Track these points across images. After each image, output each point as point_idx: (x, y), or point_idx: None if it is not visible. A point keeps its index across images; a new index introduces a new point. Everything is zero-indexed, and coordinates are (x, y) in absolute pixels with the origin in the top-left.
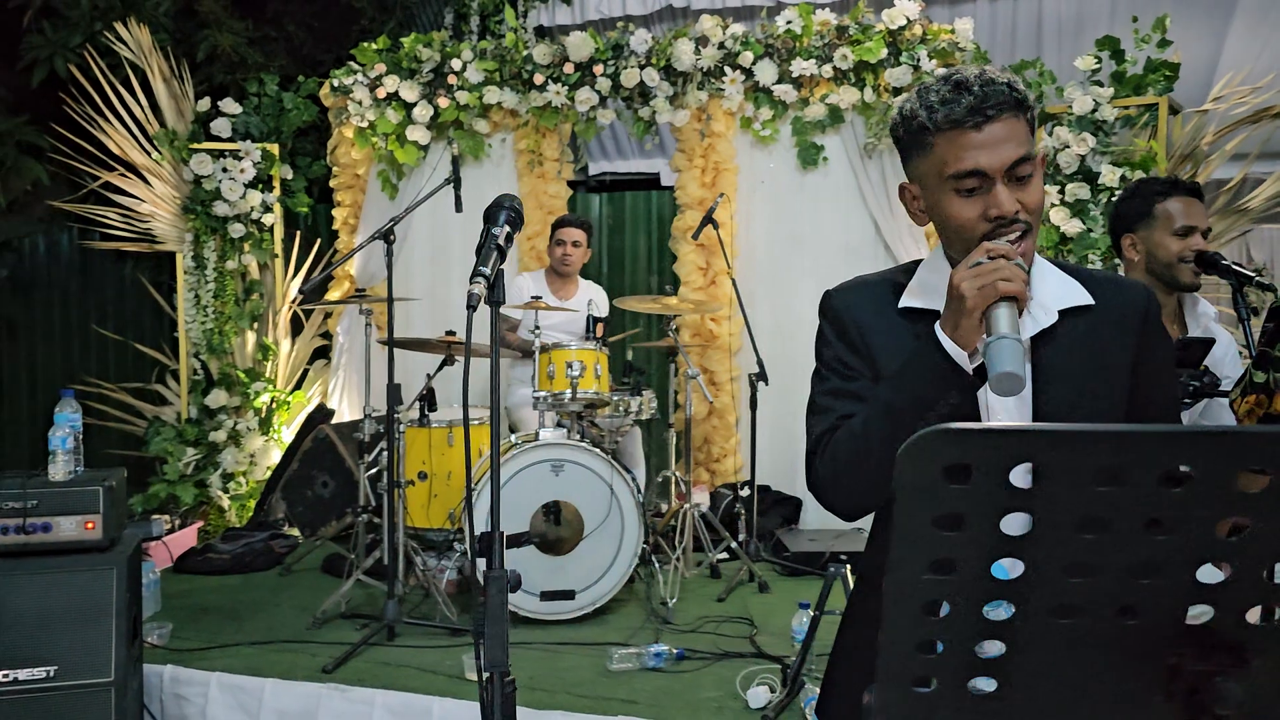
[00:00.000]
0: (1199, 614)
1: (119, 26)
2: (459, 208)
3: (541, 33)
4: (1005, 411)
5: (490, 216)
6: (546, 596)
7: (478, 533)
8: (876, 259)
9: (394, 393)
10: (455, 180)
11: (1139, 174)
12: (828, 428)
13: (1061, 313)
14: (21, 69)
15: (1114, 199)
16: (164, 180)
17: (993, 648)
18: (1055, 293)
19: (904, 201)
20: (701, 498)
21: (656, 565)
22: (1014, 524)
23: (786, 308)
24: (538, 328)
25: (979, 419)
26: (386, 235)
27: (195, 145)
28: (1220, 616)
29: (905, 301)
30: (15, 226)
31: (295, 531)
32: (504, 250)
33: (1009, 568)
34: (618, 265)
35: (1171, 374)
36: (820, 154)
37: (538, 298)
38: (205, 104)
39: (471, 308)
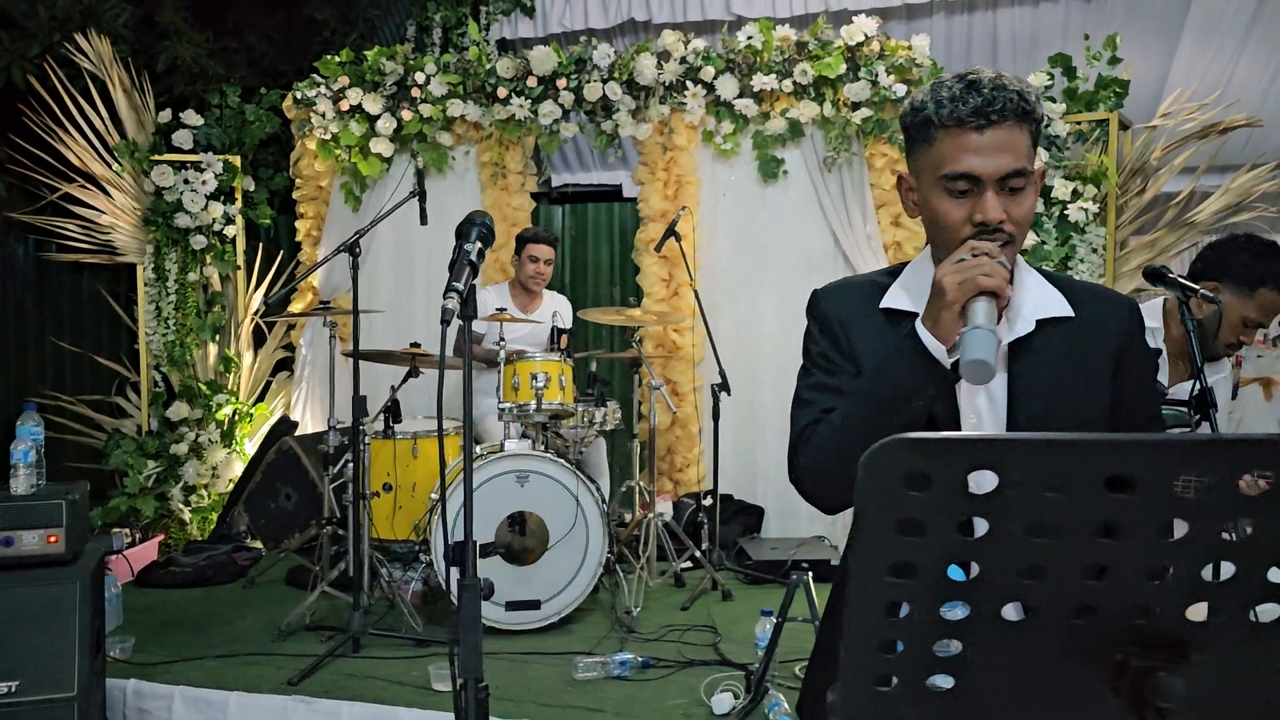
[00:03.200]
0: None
1: (79, 37)
2: (424, 220)
3: (504, 45)
4: (978, 415)
5: (462, 233)
6: (512, 606)
7: (450, 542)
8: (835, 271)
9: (360, 404)
10: (420, 194)
11: (1090, 188)
12: (810, 421)
13: (1040, 322)
14: None
15: (1063, 212)
16: (124, 192)
17: (950, 646)
18: (1034, 302)
19: (900, 191)
20: (665, 507)
21: (621, 575)
22: (975, 528)
23: (748, 319)
24: (502, 339)
25: (956, 418)
26: (352, 248)
27: (156, 157)
28: (1163, 614)
29: (886, 302)
30: None
31: (258, 544)
32: (476, 266)
33: (966, 570)
34: (580, 276)
35: (1153, 389)
36: (780, 167)
37: (502, 310)
38: (166, 115)
39: (445, 322)
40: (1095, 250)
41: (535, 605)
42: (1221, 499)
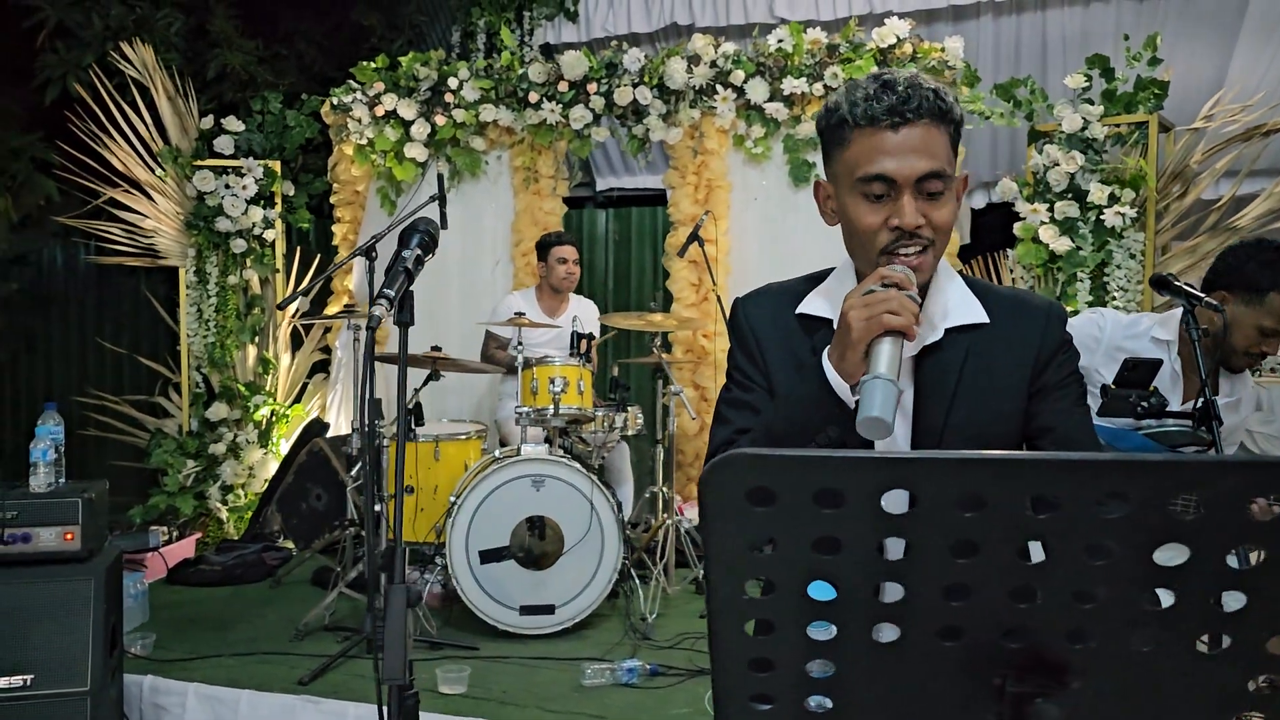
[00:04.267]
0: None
1: (125, 46)
2: (444, 224)
3: (548, 50)
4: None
5: (403, 239)
6: (526, 611)
7: (461, 547)
8: None
9: (374, 407)
10: (440, 197)
11: (1128, 192)
12: (724, 440)
13: (951, 330)
14: (35, 87)
15: (1099, 217)
16: (167, 196)
17: (823, 667)
18: (948, 309)
19: (817, 199)
20: (691, 513)
21: (637, 581)
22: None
23: None
24: (520, 343)
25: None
26: (368, 252)
27: (199, 162)
28: (1041, 640)
29: (802, 308)
30: (27, 241)
31: (290, 544)
32: (413, 273)
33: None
34: (623, 281)
35: (1077, 399)
36: (812, 171)
37: (521, 314)
38: (209, 121)
39: (370, 328)
40: (1133, 256)
41: (550, 610)
42: (1147, 522)
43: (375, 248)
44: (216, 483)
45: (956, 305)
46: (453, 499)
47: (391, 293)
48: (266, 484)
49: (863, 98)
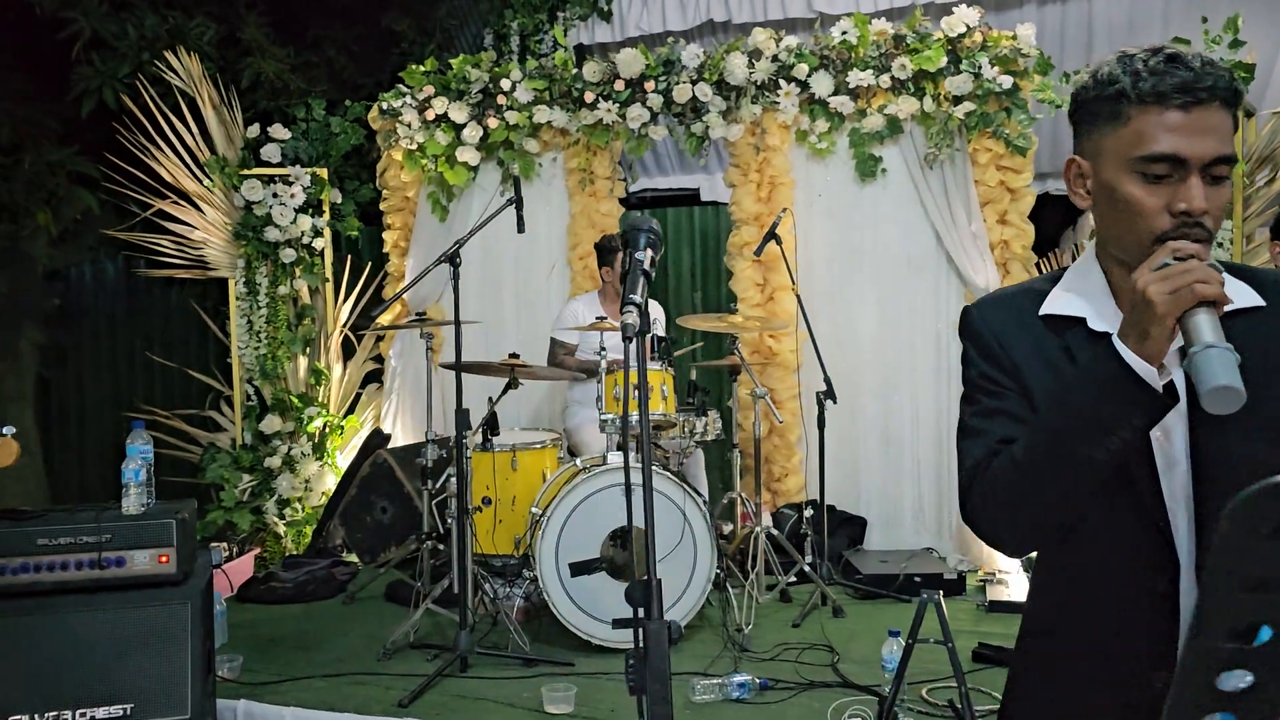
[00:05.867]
0: None
1: (169, 55)
2: (520, 228)
3: (581, 51)
4: (1164, 431)
5: (630, 240)
6: (619, 624)
7: (551, 559)
8: (938, 271)
9: (463, 418)
10: (517, 201)
11: None
12: (984, 454)
13: (1226, 316)
14: (71, 99)
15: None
16: (215, 207)
17: None
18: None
19: (1067, 178)
20: (764, 519)
21: (730, 591)
22: None
23: (846, 323)
24: (603, 349)
25: (1147, 444)
26: (452, 258)
27: (245, 171)
28: None
29: (1047, 308)
30: (66, 255)
31: (354, 558)
32: (650, 275)
33: None
34: (660, 283)
35: None
36: (879, 165)
37: (603, 318)
38: (255, 130)
39: (628, 339)
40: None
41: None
42: None
43: (459, 253)
44: (273, 497)
45: (1230, 290)
46: (534, 510)
47: (639, 299)
48: (325, 497)
49: (1148, 72)
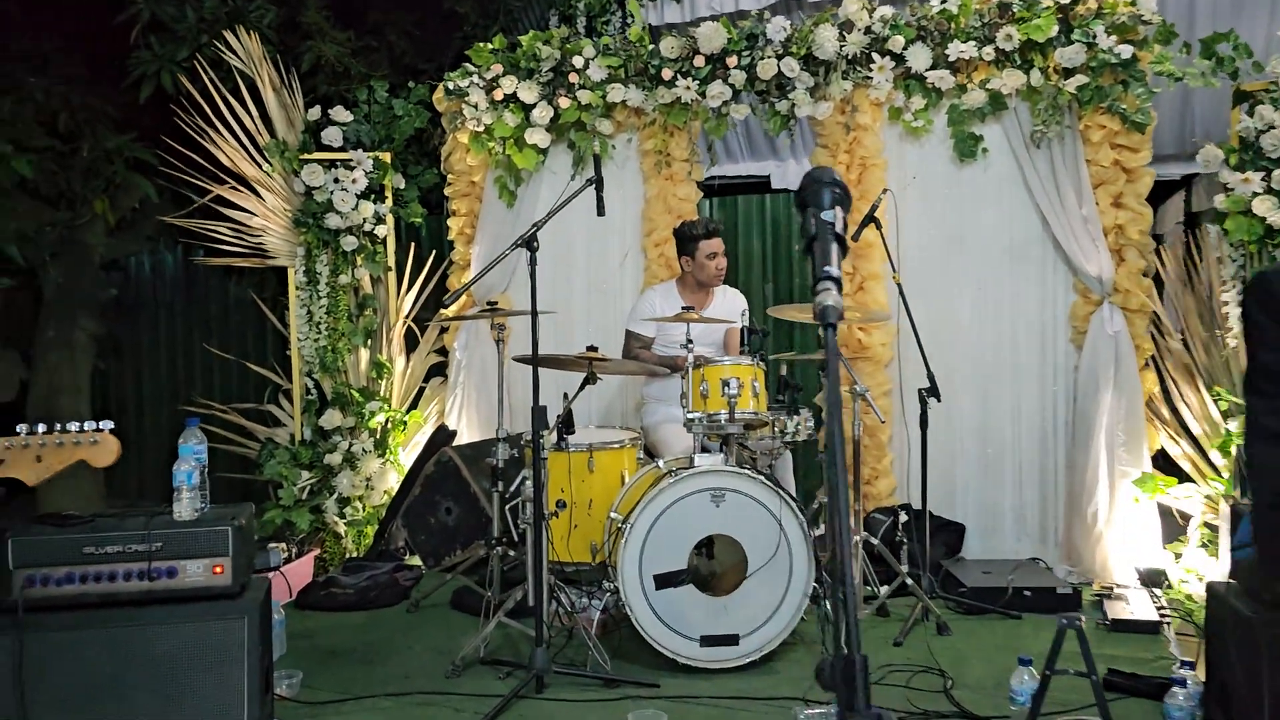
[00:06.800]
0: None
1: (228, 35)
2: (600, 211)
3: (652, 34)
4: None
5: (812, 197)
6: (707, 642)
7: (634, 571)
8: (1044, 260)
9: (541, 416)
10: (597, 181)
11: None
12: None
13: None
14: (128, 85)
15: None
16: (275, 193)
17: None
18: None
19: None
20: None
21: (829, 605)
22: None
23: (942, 315)
24: (690, 341)
25: None
26: (529, 242)
27: (306, 156)
28: None
29: None
30: (123, 245)
31: (417, 561)
32: (844, 241)
33: None
34: (730, 273)
35: None
36: (979, 145)
37: (689, 308)
38: (316, 112)
39: (831, 325)
40: None
41: (733, 641)
42: None
43: (536, 237)
44: (333, 495)
45: None
46: (614, 515)
47: (836, 271)
48: (388, 496)
49: None
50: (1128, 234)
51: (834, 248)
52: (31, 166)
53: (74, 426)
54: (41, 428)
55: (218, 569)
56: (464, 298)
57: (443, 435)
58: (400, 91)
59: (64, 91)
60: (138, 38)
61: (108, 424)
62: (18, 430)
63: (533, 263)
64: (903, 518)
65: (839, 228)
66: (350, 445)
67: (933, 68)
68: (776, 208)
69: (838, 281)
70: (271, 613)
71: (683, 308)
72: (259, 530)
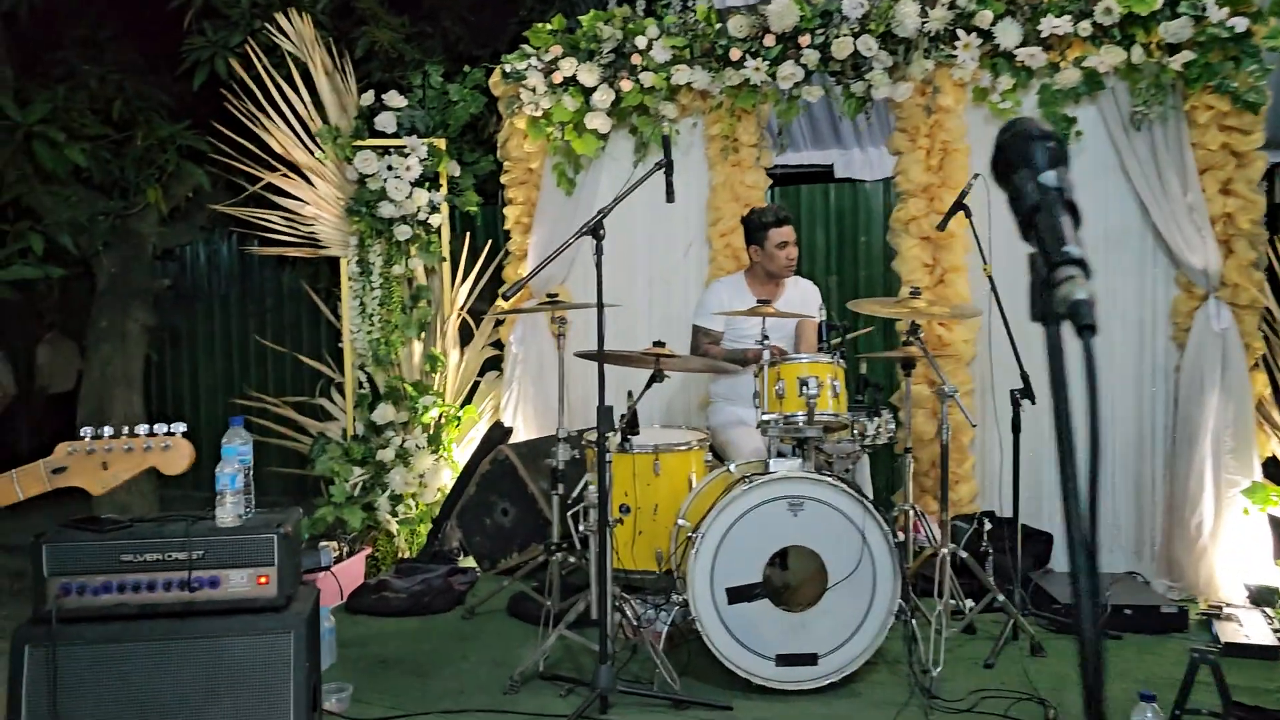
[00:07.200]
0: None
1: (280, 18)
2: (670, 197)
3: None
4: None
5: (1020, 157)
6: (783, 661)
7: (705, 583)
8: (1143, 251)
9: (607, 416)
10: (667, 164)
11: None
12: None
13: None
14: (181, 73)
15: None
16: (327, 180)
17: None
18: None
19: None
20: (932, 531)
21: (915, 624)
22: None
23: (1026, 311)
24: (766, 338)
25: None
26: (595, 230)
27: (359, 142)
28: None
29: None
30: (177, 234)
31: (471, 563)
32: (1076, 208)
33: None
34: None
35: None
36: (1072, 128)
37: (765, 302)
38: (369, 97)
39: (1088, 327)
40: None
41: (812, 660)
42: None
43: (603, 224)
44: (385, 492)
45: None
46: (682, 522)
47: (1077, 250)
48: (441, 494)
49: None
50: (1237, 223)
51: (1066, 219)
52: (85, 155)
53: (142, 429)
54: (108, 431)
55: (262, 579)
56: (523, 290)
57: (499, 433)
58: (456, 77)
59: (118, 79)
60: (191, 23)
61: (180, 426)
62: (82, 434)
63: (599, 252)
64: (986, 525)
65: (1069, 193)
66: (403, 441)
67: (1023, 44)
68: (841, 197)
69: (1084, 265)
70: (320, 624)
71: (756, 301)
72: (310, 528)
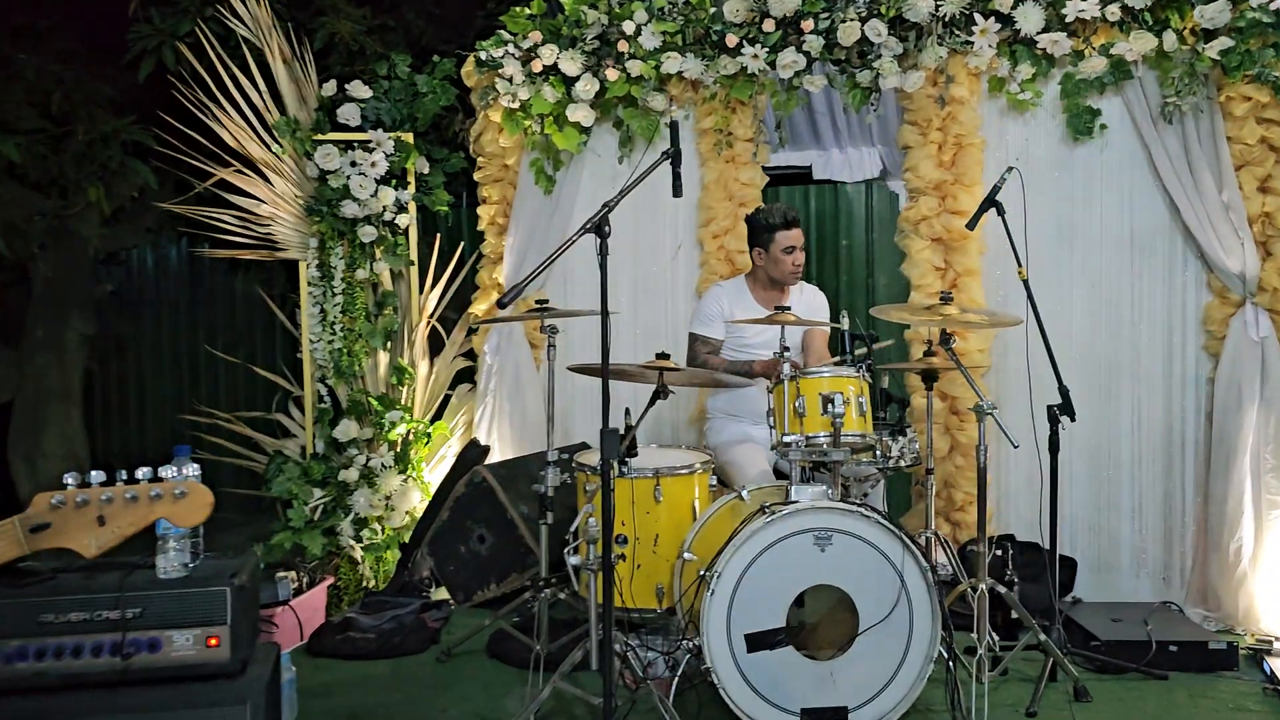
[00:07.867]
0: None
1: (235, 2)
2: (677, 191)
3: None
4: None
5: None
6: (809, 716)
7: (721, 629)
8: (1171, 251)
9: (612, 441)
10: (674, 155)
11: None
12: None
13: None
14: (127, 64)
15: None
16: (285, 177)
17: None
18: None
19: None
20: (940, 558)
21: (954, 668)
22: None
23: (1049, 317)
24: (785, 348)
25: None
26: (599, 226)
27: (320, 136)
28: None
29: None
30: (121, 236)
31: (444, 593)
32: None
33: None
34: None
35: None
36: (1097, 120)
37: (786, 308)
38: (331, 87)
39: None
40: None
41: (841, 715)
42: None
43: (608, 220)
44: (348, 516)
45: None
46: (687, 555)
47: None
48: (409, 518)
49: None
50: (1277, 223)
51: None
52: (19, 150)
53: (143, 474)
54: (97, 476)
55: (212, 640)
56: (495, 294)
57: (475, 452)
58: (423, 69)
59: (57, 70)
60: (137, 10)
61: (194, 468)
62: (66, 483)
63: (603, 252)
64: (1010, 552)
65: None
66: (368, 460)
67: (1045, 30)
68: (822, 200)
69: None
70: (280, 688)
71: (776, 308)
72: (266, 556)
